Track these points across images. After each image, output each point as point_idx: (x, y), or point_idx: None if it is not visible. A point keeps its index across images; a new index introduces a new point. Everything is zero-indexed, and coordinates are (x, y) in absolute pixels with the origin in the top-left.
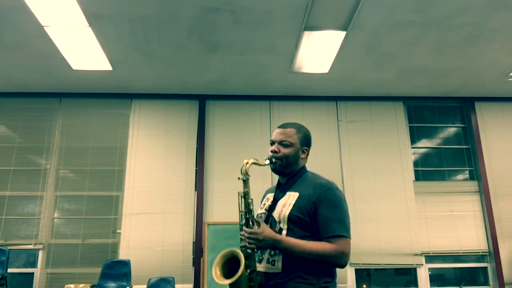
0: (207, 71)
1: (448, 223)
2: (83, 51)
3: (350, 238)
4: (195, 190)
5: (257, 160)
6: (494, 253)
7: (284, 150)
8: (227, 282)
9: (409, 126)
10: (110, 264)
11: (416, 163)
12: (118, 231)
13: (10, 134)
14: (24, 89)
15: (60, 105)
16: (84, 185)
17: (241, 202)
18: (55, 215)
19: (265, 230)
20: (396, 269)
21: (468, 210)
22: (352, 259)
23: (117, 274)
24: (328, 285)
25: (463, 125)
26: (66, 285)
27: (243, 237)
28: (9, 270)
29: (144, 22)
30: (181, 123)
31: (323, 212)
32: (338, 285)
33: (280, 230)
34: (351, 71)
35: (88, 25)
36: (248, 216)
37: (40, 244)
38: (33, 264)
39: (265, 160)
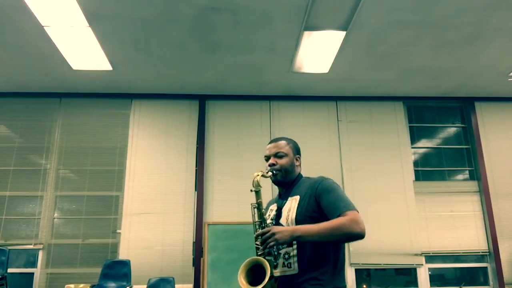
0: (207, 71)
1: (448, 223)
2: (83, 51)
3: (357, 211)
4: (195, 190)
5: (263, 172)
6: (494, 253)
7: (281, 161)
8: None
9: (409, 126)
10: (110, 264)
11: (416, 163)
12: (118, 231)
13: (10, 134)
14: (24, 89)
15: (60, 105)
16: (84, 185)
17: (255, 213)
18: (55, 215)
19: (274, 227)
20: (396, 269)
21: (468, 210)
22: (352, 259)
23: (117, 274)
24: (342, 285)
25: (463, 125)
26: (66, 285)
27: (260, 246)
28: (9, 270)
29: (144, 22)
30: (181, 123)
31: (325, 200)
32: None
33: None
34: (351, 71)
35: (88, 25)
36: (263, 225)
37: (40, 244)
38: (33, 264)
39: (267, 172)
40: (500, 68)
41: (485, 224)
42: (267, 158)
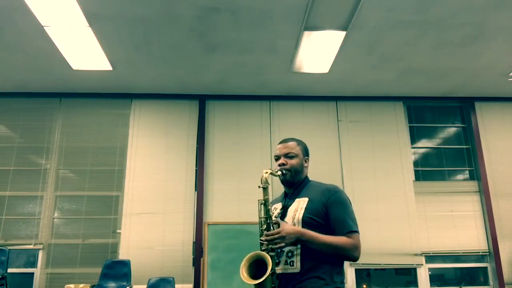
0: (207, 71)
1: (448, 223)
2: (83, 51)
3: (359, 234)
4: (195, 190)
5: (273, 170)
6: (494, 253)
7: (291, 161)
8: (255, 282)
9: (409, 126)
10: (110, 264)
11: (416, 163)
12: (118, 231)
13: (10, 134)
14: (24, 89)
15: (60, 105)
16: (84, 185)
17: (261, 209)
18: (55, 215)
19: (286, 227)
20: (396, 269)
21: (468, 210)
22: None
23: (117, 274)
24: (342, 286)
25: (463, 125)
26: (66, 285)
27: (264, 242)
28: (9, 270)
29: (144, 22)
30: (181, 123)
31: (336, 212)
32: None
33: None
34: (351, 71)
35: (88, 25)
36: (269, 221)
37: (40, 244)
38: (33, 264)
39: (276, 171)
40: (500, 68)
41: (485, 224)
42: (277, 158)
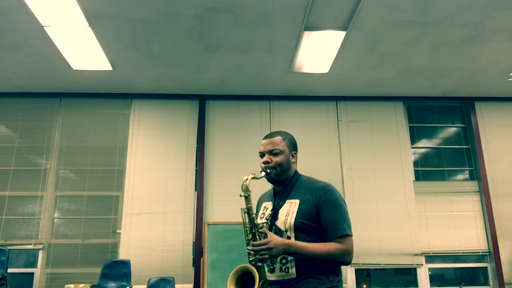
0: (207, 71)
1: (448, 223)
2: (83, 51)
3: (352, 235)
4: (195, 190)
5: (255, 174)
6: (494, 253)
7: (276, 159)
8: None
9: (409, 126)
10: (110, 264)
11: (416, 163)
12: (118, 231)
13: (10, 134)
14: (24, 89)
15: (60, 105)
16: (84, 185)
17: (245, 218)
18: (55, 215)
19: (273, 238)
20: (396, 269)
21: (468, 210)
22: (352, 259)
23: (117, 274)
24: (339, 284)
25: (463, 125)
26: (66, 285)
27: (251, 252)
28: (9, 270)
29: (144, 22)
30: (181, 123)
31: (327, 214)
32: None
33: (288, 238)
34: (351, 71)
35: (88, 25)
36: (254, 230)
37: (40, 244)
38: (33, 264)
39: (260, 172)
40: (500, 68)
41: (485, 224)
42: (262, 155)
